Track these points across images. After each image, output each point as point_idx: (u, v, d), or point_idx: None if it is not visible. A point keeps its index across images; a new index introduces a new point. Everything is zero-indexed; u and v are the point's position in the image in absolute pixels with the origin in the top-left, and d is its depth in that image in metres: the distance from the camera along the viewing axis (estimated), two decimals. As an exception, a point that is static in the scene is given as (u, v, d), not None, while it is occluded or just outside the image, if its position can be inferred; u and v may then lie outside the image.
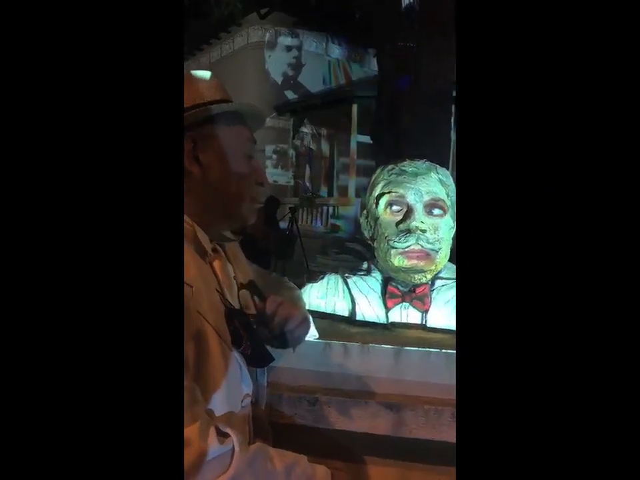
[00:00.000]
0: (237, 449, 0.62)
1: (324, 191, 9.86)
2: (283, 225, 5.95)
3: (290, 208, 6.24)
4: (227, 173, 0.75)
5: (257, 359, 0.78)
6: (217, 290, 0.73)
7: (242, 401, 0.75)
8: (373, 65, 10.29)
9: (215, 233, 0.78)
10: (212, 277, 0.75)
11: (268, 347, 0.80)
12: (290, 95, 10.30)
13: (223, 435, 0.62)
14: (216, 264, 0.77)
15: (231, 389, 0.71)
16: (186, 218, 0.71)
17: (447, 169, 1.38)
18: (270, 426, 0.91)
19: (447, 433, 0.99)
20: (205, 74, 0.78)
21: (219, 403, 0.69)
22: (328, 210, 8.28)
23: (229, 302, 0.75)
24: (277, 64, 10.24)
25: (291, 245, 5.83)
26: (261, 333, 0.80)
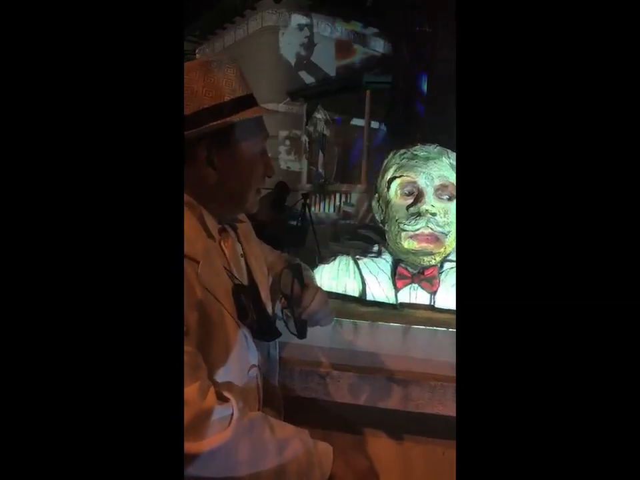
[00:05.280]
0: (235, 412, 0.64)
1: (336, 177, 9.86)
2: (296, 211, 5.96)
3: (303, 194, 6.24)
4: (240, 172, 0.76)
5: (264, 334, 0.81)
6: (224, 267, 0.76)
7: (248, 371, 0.78)
8: (378, 47, 10.20)
9: (223, 217, 0.81)
10: (220, 254, 0.78)
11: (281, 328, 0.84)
12: (304, 75, 10.22)
13: (223, 399, 0.65)
14: (224, 243, 0.80)
15: (236, 360, 0.74)
16: (192, 201, 0.74)
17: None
18: (282, 398, 0.95)
19: (452, 407, 1.03)
20: (224, 62, 0.75)
21: (225, 372, 0.71)
22: (340, 196, 8.28)
23: (237, 278, 0.78)
24: (289, 45, 10.14)
25: (304, 232, 5.85)
26: (285, 318, 0.84)
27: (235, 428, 0.63)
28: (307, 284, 0.84)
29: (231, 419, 0.64)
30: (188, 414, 0.59)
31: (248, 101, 0.76)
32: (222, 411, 0.64)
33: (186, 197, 0.73)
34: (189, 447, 0.60)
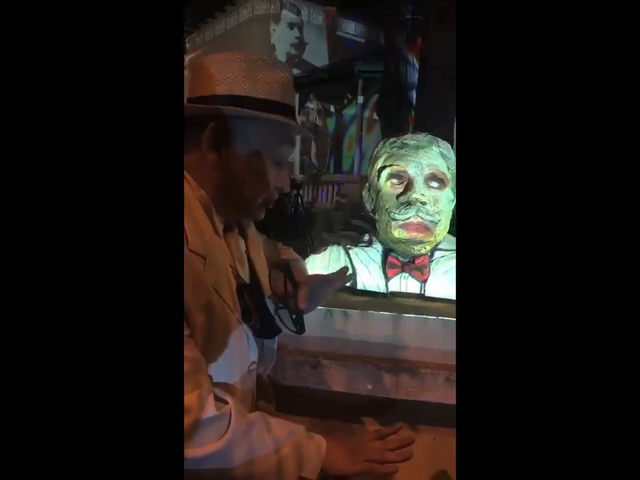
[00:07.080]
0: (234, 417, 0.65)
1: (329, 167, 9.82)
2: (288, 202, 5.95)
3: (295, 185, 6.23)
4: (246, 172, 0.73)
5: (265, 332, 0.80)
6: (229, 265, 0.75)
7: (249, 367, 0.78)
8: (369, 35, 10.10)
9: (228, 217, 0.79)
10: (226, 251, 0.76)
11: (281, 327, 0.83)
12: (295, 72, 10.16)
13: (221, 401, 0.65)
14: (229, 239, 0.79)
15: (238, 358, 0.74)
16: (204, 193, 0.72)
17: (452, 142, 1.39)
18: (273, 388, 0.95)
19: (442, 395, 1.04)
20: (277, 65, 0.73)
21: (226, 371, 0.72)
22: (333, 187, 8.27)
23: (241, 277, 0.77)
24: (281, 41, 10.07)
25: (296, 223, 5.85)
26: (281, 315, 0.83)
27: (233, 432, 0.64)
28: (298, 282, 0.82)
29: (229, 423, 0.64)
30: (186, 422, 0.59)
31: (284, 110, 0.73)
32: (219, 419, 0.64)
33: (199, 191, 0.72)
34: (186, 452, 0.59)
